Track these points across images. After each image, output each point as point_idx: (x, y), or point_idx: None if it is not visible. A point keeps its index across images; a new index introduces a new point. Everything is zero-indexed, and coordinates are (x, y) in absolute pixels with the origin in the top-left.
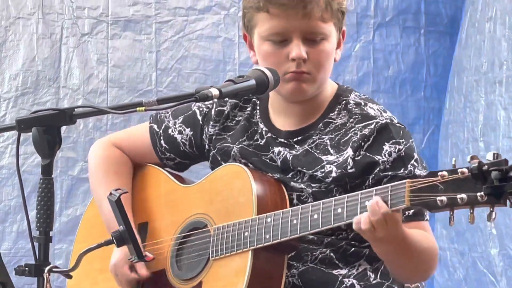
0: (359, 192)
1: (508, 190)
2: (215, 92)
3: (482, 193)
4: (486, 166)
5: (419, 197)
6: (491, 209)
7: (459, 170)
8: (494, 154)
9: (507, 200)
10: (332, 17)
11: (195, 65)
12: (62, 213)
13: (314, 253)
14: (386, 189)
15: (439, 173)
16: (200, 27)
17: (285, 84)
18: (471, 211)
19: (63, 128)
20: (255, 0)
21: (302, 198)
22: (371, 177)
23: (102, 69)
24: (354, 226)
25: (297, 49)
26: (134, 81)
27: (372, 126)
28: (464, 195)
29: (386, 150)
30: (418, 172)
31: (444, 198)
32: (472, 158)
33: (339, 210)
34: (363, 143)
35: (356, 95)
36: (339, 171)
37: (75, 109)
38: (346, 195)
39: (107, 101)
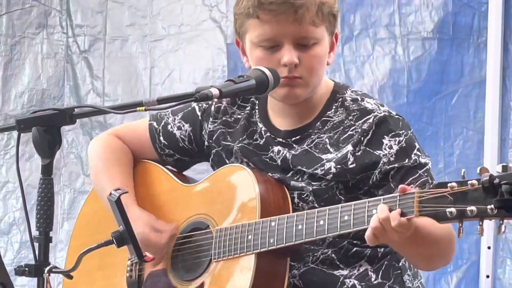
0: (366, 200)
1: None
2: (215, 91)
3: (492, 206)
4: (497, 179)
5: (428, 208)
6: (501, 222)
7: (469, 182)
8: (503, 166)
9: None
10: (323, 21)
11: (186, 77)
12: (63, 224)
13: (316, 254)
14: (395, 198)
15: (449, 184)
16: (192, 41)
17: (278, 89)
18: (480, 223)
19: (66, 144)
20: (246, 7)
21: (303, 196)
22: (376, 171)
23: (99, 85)
24: (368, 242)
25: (288, 54)
26: (129, 95)
27: (371, 120)
28: (474, 208)
29: (386, 144)
30: (423, 160)
31: (453, 209)
32: (482, 170)
33: (346, 218)
34: (362, 138)
35: (352, 91)
36: (338, 166)
37: (75, 109)
38: (353, 203)
39: (108, 122)
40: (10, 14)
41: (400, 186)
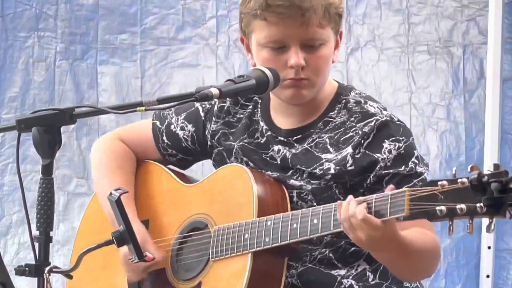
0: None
1: (508, 202)
2: (215, 91)
3: (482, 204)
4: (486, 177)
5: (419, 206)
6: (490, 220)
7: (459, 180)
8: (494, 165)
9: (507, 212)
10: (329, 22)
11: (177, 91)
12: (59, 225)
13: (313, 254)
14: (386, 196)
15: (439, 183)
16: (181, 56)
17: (284, 90)
18: (470, 222)
19: None
20: (252, 8)
21: (302, 195)
22: (372, 175)
23: (92, 93)
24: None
25: (295, 56)
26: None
27: (372, 124)
28: (463, 206)
29: (386, 148)
30: (419, 169)
31: (443, 208)
32: (472, 168)
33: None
34: (362, 141)
35: (356, 93)
36: (337, 167)
37: (75, 109)
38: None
39: (97, 122)
40: (4, 18)
41: (389, 187)
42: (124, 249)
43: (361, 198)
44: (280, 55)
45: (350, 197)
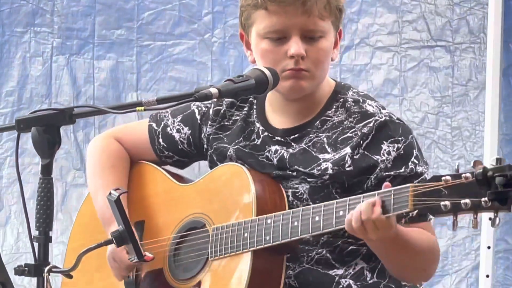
0: (361, 195)
1: None
2: (214, 91)
3: (486, 198)
4: (490, 172)
5: (423, 202)
6: (495, 215)
7: (463, 175)
8: (497, 159)
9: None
10: (330, 14)
11: (172, 87)
12: (58, 214)
13: (310, 254)
14: (389, 192)
15: (443, 178)
16: (176, 52)
17: (284, 82)
18: (475, 216)
19: None
20: None
21: (297, 194)
22: (372, 177)
23: (89, 88)
24: (345, 226)
25: (295, 46)
26: (117, 99)
27: (371, 124)
28: (468, 200)
29: (385, 150)
30: (419, 169)
31: (448, 203)
32: (475, 163)
33: (341, 213)
34: (361, 141)
35: (354, 92)
36: (335, 168)
37: (75, 109)
38: (348, 198)
39: (93, 117)
40: (0, 13)
41: (385, 183)
42: (111, 246)
43: (373, 199)
44: (280, 46)
45: (366, 201)
